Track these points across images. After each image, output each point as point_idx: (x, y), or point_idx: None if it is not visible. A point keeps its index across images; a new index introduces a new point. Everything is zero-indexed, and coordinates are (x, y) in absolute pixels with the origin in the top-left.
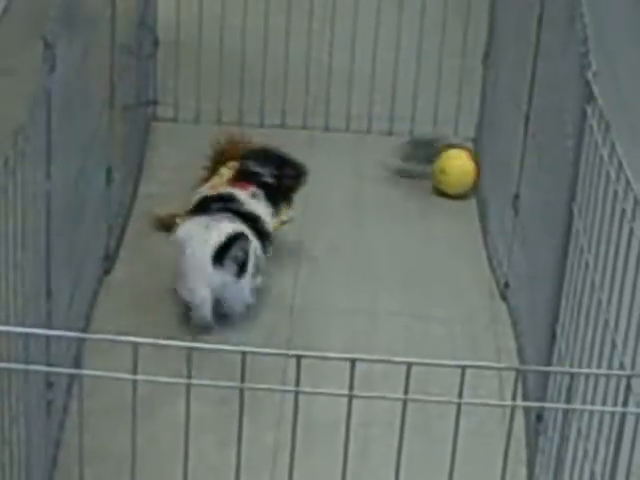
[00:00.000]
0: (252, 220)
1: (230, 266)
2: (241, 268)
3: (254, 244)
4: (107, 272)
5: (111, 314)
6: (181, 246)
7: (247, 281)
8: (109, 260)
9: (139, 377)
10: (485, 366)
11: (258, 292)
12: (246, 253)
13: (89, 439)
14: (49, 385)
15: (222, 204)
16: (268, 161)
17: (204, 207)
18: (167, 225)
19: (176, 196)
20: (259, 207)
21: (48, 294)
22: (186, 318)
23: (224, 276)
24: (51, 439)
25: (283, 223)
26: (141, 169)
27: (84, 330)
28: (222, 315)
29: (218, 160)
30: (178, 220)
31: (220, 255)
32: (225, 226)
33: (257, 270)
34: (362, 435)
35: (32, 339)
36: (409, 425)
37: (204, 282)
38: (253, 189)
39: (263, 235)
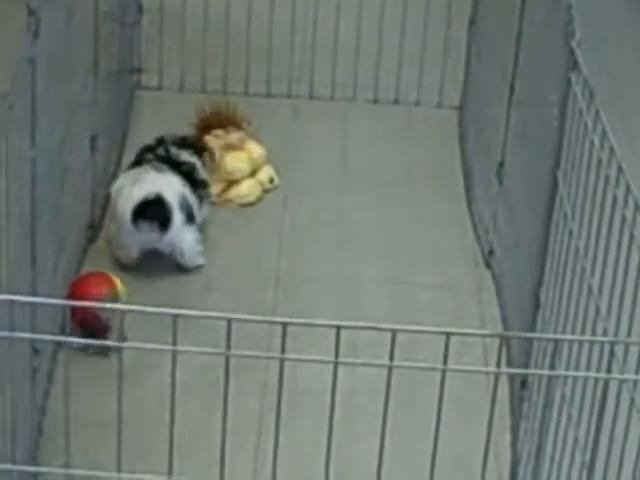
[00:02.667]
0: (186, 169)
1: (146, 228)
2: (163, 225)
3: (184, 193)
4: (91, 240)
5: None
6: (113, 201)
7: (179, 232)
8: (93, 228)
9: (125, 344)
10: (469, 333)
11: (243, 260)
12: (165, 211)
13: (74, 406)
14: (35, 352)
15: (155, 154)
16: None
17: (141, 158)
18: None
19: None
20: (192, 157)
21: (33, 262)
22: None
23: (146, 235)
24: (37, 407)
25: (267, 191)
26: (125, 137)
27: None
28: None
29: (203, 128)
30: None
31: (136, 217)
32: (148, 183)
33: (191, 218)
34: (347, 402)
35: (17, 306)
36: (394, 392)
37: (129, 237)
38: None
39: (198, 183)
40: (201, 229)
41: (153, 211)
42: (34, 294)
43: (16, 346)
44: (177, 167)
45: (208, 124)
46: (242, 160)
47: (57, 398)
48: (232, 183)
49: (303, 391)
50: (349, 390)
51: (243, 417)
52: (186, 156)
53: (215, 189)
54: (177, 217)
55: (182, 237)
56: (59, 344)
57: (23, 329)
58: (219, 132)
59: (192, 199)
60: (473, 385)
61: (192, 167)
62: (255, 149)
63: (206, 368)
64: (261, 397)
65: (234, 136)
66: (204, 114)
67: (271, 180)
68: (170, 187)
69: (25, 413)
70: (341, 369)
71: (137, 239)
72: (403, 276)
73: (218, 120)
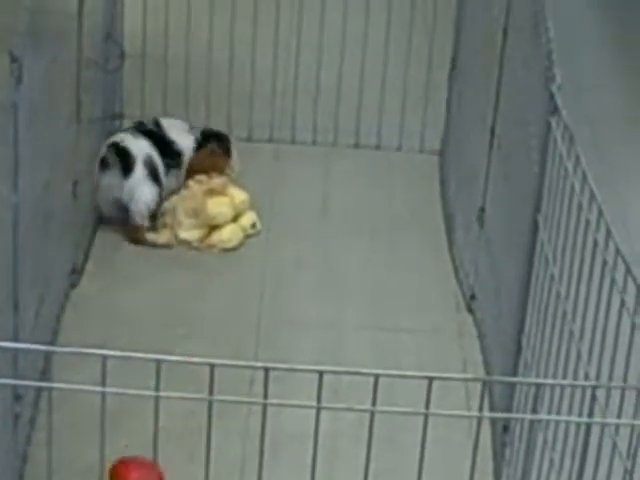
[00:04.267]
0: (163, 142)
1: (111, 172)
2: (125, 170)
3: (150, 154)
4: (74, 285)
5: (78, 328)
6: None
7: (140, 183)
8: (76, 274)
9: (108, 389)
10: (452, 377)
11: (225, 305)
12: (128, 159)
13: (56, 453)
14: (17, 398)
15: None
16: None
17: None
18: (137, 238)
19: None
20: (180, 137)
21: (15, 308)
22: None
23: (109, 178)
24: (18, 453)
25: (249, 236)
26: None
27: (51, 343)
28: (124, 212)
29: (186, 173)
30: (147, 234)
31: (103, 163)
32: (117, 138)
33: (155, 178)
34: (329, 446)
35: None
36: (376, 436)
37: (99, 185)
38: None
39: (173, 154)
40: (165, 197)
41: (117, 158)
42: (16, 340)
43: None
44: (150, 134)
45: (191, 169)
46: (225, 205)
47: (39, 444)
48: (214, 228)
49: (285, 436)
50: (331, 435)
51: (225, 463)
52: (173, 134)
53: (197, 234)
54: (139, 169)
55: (142, 189)
56: (41, 390)
57: (5, 375)
58: (202, 177)
59: (159, 162)
60: (455, 429)
61: (170, 142)
62: (238, 194)
63: (188, 415)
64: (243, 443)
65: (216, 181)
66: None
67: (253, 225)
68: (137, 145)
69: (6, 459)
70: (323, 414)
71: (103, 186)
72: (385, 321)
73: (200, 166)
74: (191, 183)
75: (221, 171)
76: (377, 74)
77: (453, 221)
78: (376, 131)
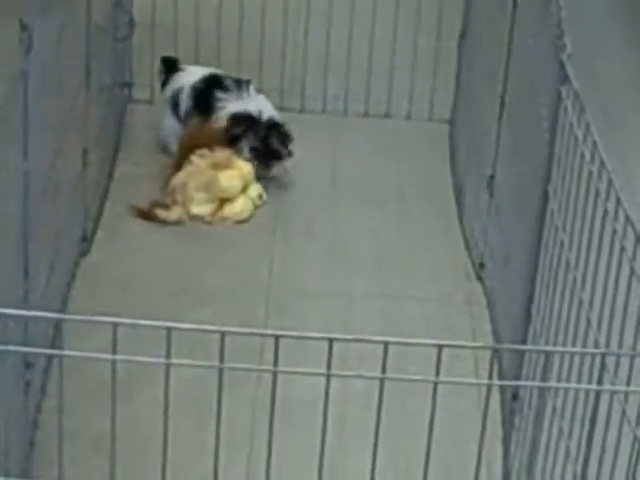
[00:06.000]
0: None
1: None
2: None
3: (183, 86)
4: (84, 254)
5: (88, 296)
6: None
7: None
8: (86, 242)
9: (119, 357)
10: (462, 345)
11: (234, 275)
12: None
13: (67, 420)
14: (28, 366)
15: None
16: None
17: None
18: (148, 216)
19: (152, 177)
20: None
21: (25, 275)
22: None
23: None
24: (29, 420)
25: (257, 207)
26: (117, 150)
27: (61, 311)
28: None
29: (187, 148)
30: (158, 211)
31: None
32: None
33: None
34: (339, 414)
35: (9, 320)
36: (385, 404)
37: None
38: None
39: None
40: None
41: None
42: (27, 307)
43: (8, 360)
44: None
45: (192, 143)
46: (235, 178)
47: (49, 412)
48: (224, 201)
49: (295, 404)
50: (340, 403)
51: (235, 431)
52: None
53: (209, 208)
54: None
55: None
56: (51, 358)
57: (15, 342)
58: (204, 152)
59: (187, 101)
60: (464, 398)
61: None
62: (243, 166)
63: (197, 382)
64: (252, 411)
65: (221, 154)
66: (188, 133)
67: (260, 197)
68: (185, 77)
69: (17, 426)
70: (333, 382)
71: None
72: (394, 290)
73: (201, 139)
74: (194, 158)
75: (222, 144)
76: (387, 42)
77: (463, 190)
78: (386, 100)
